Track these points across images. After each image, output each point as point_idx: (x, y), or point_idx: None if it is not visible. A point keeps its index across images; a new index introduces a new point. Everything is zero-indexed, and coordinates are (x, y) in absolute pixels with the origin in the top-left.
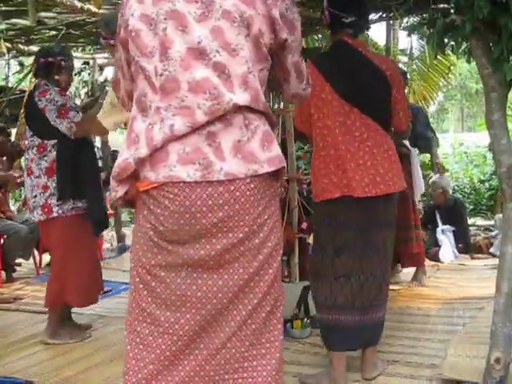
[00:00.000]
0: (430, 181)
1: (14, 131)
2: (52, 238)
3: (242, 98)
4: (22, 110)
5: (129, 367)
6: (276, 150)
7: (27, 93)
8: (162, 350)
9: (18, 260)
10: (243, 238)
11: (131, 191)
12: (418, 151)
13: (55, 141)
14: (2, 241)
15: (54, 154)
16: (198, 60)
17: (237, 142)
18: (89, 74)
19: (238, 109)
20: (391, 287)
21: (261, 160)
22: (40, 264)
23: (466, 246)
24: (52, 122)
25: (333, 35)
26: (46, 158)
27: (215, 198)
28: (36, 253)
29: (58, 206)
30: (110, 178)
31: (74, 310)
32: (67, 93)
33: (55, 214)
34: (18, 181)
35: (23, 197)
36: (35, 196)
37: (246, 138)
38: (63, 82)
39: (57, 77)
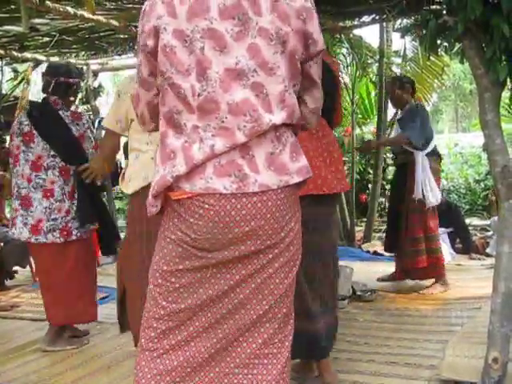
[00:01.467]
0: None
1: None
2: (60, 260)
3: (279, 117)
4: (16, 116)
5: (140, 358)
6: (303, 160)
7: (21, 101)
8: (177, 341)
9: (15, 267)
10: (270, 245)
11: (162, 199)
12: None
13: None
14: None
15: (72, 178)
16: (236, 81)
17: (269, 154)
18: (83, 80)
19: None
20: (390, 290)
21: (291, 171)
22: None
23: (468, 246)
24: (86, 151)
25: None
26: (68, 183)
27: (249, 208)
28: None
29: (76, 229)
30: (149, 195)
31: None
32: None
33: (74, 237)
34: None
35: None
36: (55, 219)
37: (278, 150)
38: (71, 104)
39: (72, 98)
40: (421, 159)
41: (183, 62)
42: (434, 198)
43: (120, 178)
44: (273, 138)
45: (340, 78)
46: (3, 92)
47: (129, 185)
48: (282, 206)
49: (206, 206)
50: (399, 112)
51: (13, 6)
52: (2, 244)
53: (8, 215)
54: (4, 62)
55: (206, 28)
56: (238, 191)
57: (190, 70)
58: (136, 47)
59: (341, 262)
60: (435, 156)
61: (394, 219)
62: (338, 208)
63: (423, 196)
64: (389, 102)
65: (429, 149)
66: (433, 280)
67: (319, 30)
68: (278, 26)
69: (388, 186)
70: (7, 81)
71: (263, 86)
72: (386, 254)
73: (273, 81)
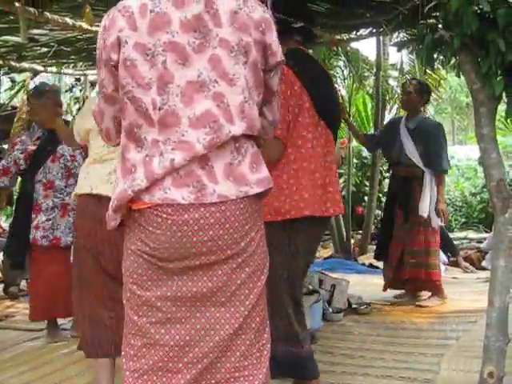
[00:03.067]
0: None
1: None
2: None
3: (239, 128)
4: (14, 127)
5: (125, 380)
6: (264, 171)
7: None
8: (155, 361)
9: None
10: (231, 255)
11: (122, 212)
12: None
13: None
14: (1, 262)
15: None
16: (198, 93)
17: (228, 165)
18: (80, 90)
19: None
20: (382, 302)
21: (250, 182)
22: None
23: (454, 253)
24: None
25: (281, 43)
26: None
27: (207, 217)
28: None
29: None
30: (109, 209)
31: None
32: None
33: None
34: None
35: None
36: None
37: (236, 161)
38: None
39: (36, 117)
40: (430, 179)
41: (144, 75)
42: (437, 218)
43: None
44: (232, 149)
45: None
46: (1, 101)
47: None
48: (241, 216)
49: (164, 215)
50: (404, 118)
51: (12, 17)
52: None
53: (3, 224)
54: (2, 72)
55: (168, 41)
56: (196, 201)
57: (151, 83)
58: (97, 62)
59: (336, 275)
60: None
61: (389, 228)
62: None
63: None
64: (386, 114)
65: (438, 171)
66: (429, 293)
67: (277, 42)
68: (238, 36)
69: (384, 199)
70: (5, 90)
71: (224, 96)
72: (382, 266)
73: (233, 91)
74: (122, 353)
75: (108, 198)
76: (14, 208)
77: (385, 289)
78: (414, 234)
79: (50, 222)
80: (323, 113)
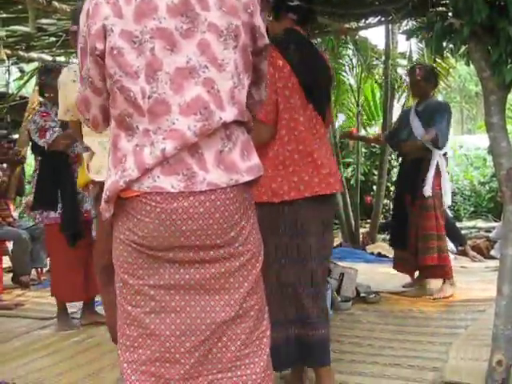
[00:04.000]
0: None
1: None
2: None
3: (230, 114)
4: (25, 117)
5: (122, 371)
6: (255, 158)
7: (31, 103)
8: (152, 351)
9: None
10: (220, 244)
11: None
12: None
13: (40, 158)
14: (11, 252)
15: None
16: (188, 79)
17: (219, 152)
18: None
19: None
20: (392, 290)
21: (241, 170)
22: (42, 271)
23: (461, 240)
24: (35, 140)
25: (276, 21)
26: (37, 172)
27: (196, 206)
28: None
29: (39, 214)
30: (102, 201)
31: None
32: (49, 111)
33: (37, 221)
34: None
35: (24, 201)
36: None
37: (227, 148)
38: (50, 100)
39: (46, 94)
40: (438, 158)
41: (132, 63)
42: (448, 197)
43: (86, 169)
44: (222, 136)
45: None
46: (10, 91)
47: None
48: (231, 205)
49: (153, 203)
50: (414, 103)
51: (20, 7)
52: (12, 247)
53: (14, 214)
54: (11, 62)
55: (155, 28)
56: (185, 189)
57: (139, 71)
58: (80, 50)
59: (345, 264)
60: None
61: (402, 214)
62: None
63: (440, 195)
64: (394, 103)
65: (446, 149)
66: (440, 283)
67: (263, 24)
68: (228, 20)
69: (393, 188)
70: (14, 80)
71: (214, 81)
72: (390, 255)
73: (223, 77)
74: (118, 344)
75: None
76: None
77: (411, 275)
78: (425, 218)
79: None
80: (310, 96)
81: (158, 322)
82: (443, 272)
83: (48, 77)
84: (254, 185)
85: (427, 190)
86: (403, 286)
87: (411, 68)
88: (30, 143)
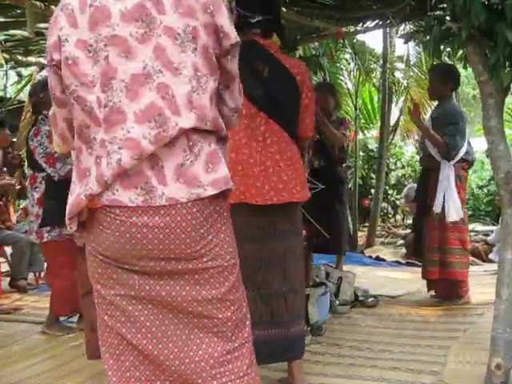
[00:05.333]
0: (402, 194)
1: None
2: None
3: (187, 120)
4: (22, 121)
5: (108, 379)
6: (222, 170)
7: (27, 107)
8: (135, 356)
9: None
10: (186, 258)
11: (82, 213)
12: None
13: (44, 173)
14: (10, 255)
15: (43, 185)
16: (143, 86)
17: (179, 166)
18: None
19: (181, 134)
20: (392, 294)
21: (204, 183)
22: (39, 275)
23: None
24: (41, 165)
25: (242, 36)
26: (37, 189)
27: (156, 221)
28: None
29: (47, 232)
30: (66, 215)
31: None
32: None
33: (45, 240)
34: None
35: (22, 206)
36: (32, 221)
37: (189, 161)
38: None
39: (45, 112)
40: (447, 169)
41: (87, 73)
42: (455, 213)
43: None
44: (185, 148)
45: (309, 85)
46: (8, 96)
47: None
48: (193, 220)
49: (112, 215)
50: (435, 106)
51: (18, 11)
52: (11, 251)
53: (15, 220)
54: (9, 66)
55: (109, 35)
56: (143, 204)
57: (95, 81)
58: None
59: (343, 267)
60: (464, 163)
61: (419, 224)
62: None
63: (443, 209)
64: (392, 107)
65: (458, 157)
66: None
67: (230, 23)
68: (184, 22)
69: (391, 191)
70: (12, 84)
71: (168, 86)
72: (389, 259)
73: (179, 81)
74: (101, 353)
75: None
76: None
77: (428, 289)
78: (429, 229)
79: None
80: (261, 104)
81: (134, 331)
82: (449, 288)
83: (48, 94)
84: (227, 197)
85: (437, 207)
86: (431, 297)
87: (430, 69)
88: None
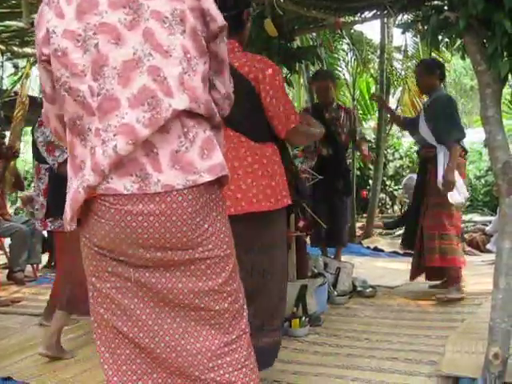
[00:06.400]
0: (401, 184)
1: (7, 133)
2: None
3: (181, 101)
4: (15, 112)
5: (105, 374)
6: (217, 157)
7: (20, 96)
8: (131, 350)
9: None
10: (182, 248)
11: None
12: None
13: (47, 165)
14: (9, 246)
15: (47, 177)
16: (134, 70)
17: (174, 152)
18: None
19: (177, 115)
20: (390, 284)
21: (200, 170)
22: (37, 267)
23: None
24: (43, 154)
25: None
26: (42, 180)
27: (151, 208)
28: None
29: (50, 222)
30: (65, 213)
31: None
32: None
33: (49, 229)
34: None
35: (20, 195)
36: (37, 209)
37: (184, 147)
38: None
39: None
40: (444, 154)
41: (77, 62)
42: (460, 195)
43: None
44: (180, 134)
45: (270, 81)
46: (4, 87)
47: None
48: (189, 207)
49: (107, 204)
50: (425, 98)
51: (13, 2)
52: (10, 241)
53: (10, 210)
54: (5, 58)
55: (98, 23)
56: (139, 191)
57: (86, 70)
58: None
59: (341, 258)
60: (460, 149)
61: (414, 215)
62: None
63: (442, 197)
64: (389, 97)
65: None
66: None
67: (215, 6)
68: (171, 6)
69: (388, 182)
70: (8, 76)
71: (159, 68)
72: (387, 250)
73: (169, 63)
74: (96, 347)
75: None
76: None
77: (411, 278)
78: (429, 217)
79: None
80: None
81: (130, 324)
82: (449, 274)
83: None
84: (224, 184)
85: (440, 182)
86: (430, 287)
87: (416, 66)
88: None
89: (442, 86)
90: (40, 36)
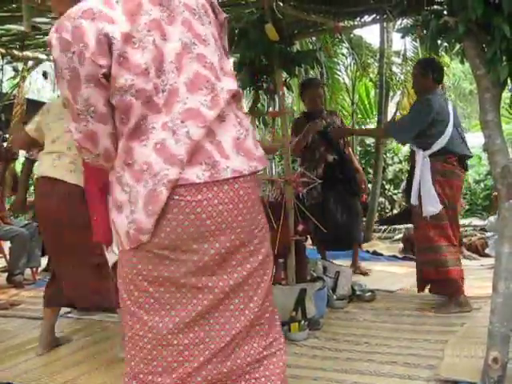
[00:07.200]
0: (401, 188)
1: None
2: None
3: (230, 83)
4: (13, 114)
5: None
6: (261, 148)
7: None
8: (169, 362)
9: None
10: (245, 239)
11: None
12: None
13: None
14: (8, 249)
15: None
16: (186, 59)
17: (236, 139)
18: None
19: (229, 102)
20: (389, 288)
21: (256, 157)
22: (36, 270)
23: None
24: None
25: None
26: None
27: (220, 197)
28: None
29: None
30: (142, 217)
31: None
32: None
33: None
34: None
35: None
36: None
37: (242, 135)
38: None
39: None
40: (421, 161)
41: (139, 63)
42: (431, 205)
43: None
44: (235, 123)
45: None
46: (4, 91)
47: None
48: (252, 194)
49: (176, 196)
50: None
51: (14, 5)
52: (9, 245)
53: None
54: (5, 61)
55: (148, 21)
56: (210, 179)
57: (149, 68)
58: (69, 83)
59: (341, 262)
60: (444, 156)
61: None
62: None
63: (420, 203)
64: (389, 101)
65: (433, 149)
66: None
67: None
68: (194, 1)
69: (388, 186)
70: (8, 79)
71: (205, 56)
72: (386, 254)
73: (209, 51)
74: (126, 358)
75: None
76: None
77: (418, 290)
78: (416, 228)
79: None
80: None
81: (177, 332)
82: (446, 288)
83: None
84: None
85: (413, 199)
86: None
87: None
88: None
89: (440, 88)
90: (90, 51)
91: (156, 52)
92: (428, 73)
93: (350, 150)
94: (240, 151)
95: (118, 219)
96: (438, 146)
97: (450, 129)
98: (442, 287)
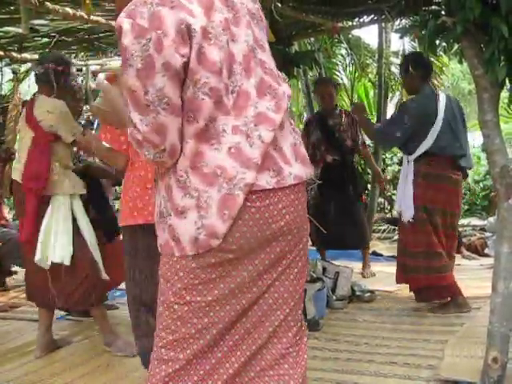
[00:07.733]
0: None
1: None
2: None
3: (285, 88)
4: (9, 115)
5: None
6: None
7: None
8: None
9: (15, 268)
10: (297, 242)
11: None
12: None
13: None
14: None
15: None
16: (252, 62)
17: (293, 145)
18: (82, 80)
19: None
20: (389, 289)
21: (309, 164)
22: None
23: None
24: None
25: None
26: None
27: (284, 201)
28: None
29: None
30: (216, 225)
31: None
32: None
33: None
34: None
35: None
36: None
37: (298, 141)
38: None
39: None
40: (405, 165)
41: (215, 60)
42: (407, 210)
43: None
44: (290, 130)
45: None
46: (2, 93)
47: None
48: (303, 198)
49: (248, 202)
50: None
51: (12, 7)
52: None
53: (8, 216)
54: (3, 63)
55: (223, 19)
56: (277, 185)
57: (222, 67)
58: (142, 72)
59: (340, 263)
60: (427, 158)
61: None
62: None
63: (432, 209)
64: (388, 102)
65: (417, 153)
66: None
67: None
68: (253, 5)
69: (387, 186)
70: (6, 82)
71: (265, 61)
72: (386, 254)
73: (267, 56)
74: (152, 358)
75: None
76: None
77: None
78: (410, 232)
79: None
80: None
81: (222, 330)
82: (441, 293)
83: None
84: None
85: (397, 205)
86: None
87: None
88: None
89: (430, 85)
90: (170, 39)
91: (228, 52)
92: (417, 68)
93: (368, 150)
94: (297, 158)
95: (179, 225)
96: (422, 149)
97: (437, 127)
98: (434, 294)
